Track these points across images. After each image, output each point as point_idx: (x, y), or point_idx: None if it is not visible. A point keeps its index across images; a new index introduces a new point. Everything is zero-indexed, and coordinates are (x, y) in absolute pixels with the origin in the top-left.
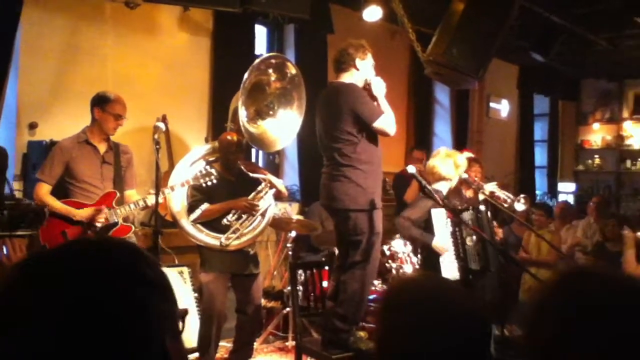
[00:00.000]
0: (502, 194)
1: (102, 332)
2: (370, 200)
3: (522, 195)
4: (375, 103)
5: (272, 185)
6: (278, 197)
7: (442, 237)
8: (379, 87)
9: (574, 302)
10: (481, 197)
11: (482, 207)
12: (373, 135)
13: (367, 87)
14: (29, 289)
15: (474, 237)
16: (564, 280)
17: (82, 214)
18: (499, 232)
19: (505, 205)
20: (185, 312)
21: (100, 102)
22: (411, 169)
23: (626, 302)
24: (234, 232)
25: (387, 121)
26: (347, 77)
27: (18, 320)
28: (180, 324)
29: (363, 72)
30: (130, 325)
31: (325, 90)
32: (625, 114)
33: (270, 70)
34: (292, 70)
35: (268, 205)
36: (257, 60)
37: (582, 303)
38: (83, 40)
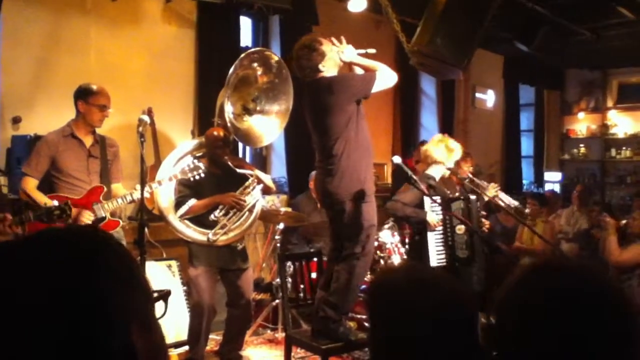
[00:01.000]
0: (504, 200)
1: (57, 324)
2: (365, 192)
3: (527, 211)
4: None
5: (259, 181)
6: (266, 192)
7: (434, 216)
8: (351, 55)
9: (535, 300)
10: (486, 198)
11: (472, 197)
12: (363, 126)
13: (347, 64)
14: None
15: (463, 226)
16: (527, 277)
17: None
18: (486, 224)
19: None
20: (168, 293)
21: (84, 95)
22: (396, 159)
23: (582, 302)
24: (221, 228)
25: (382, 77)
26: (325, 73)
27: None
28: (163, 305)
29: (333, 62)
30: (88, 317)
31: (309, 87)
32: (610, 103)
33: (255, 65)
34: (277, 63)
35: (255, 201)
36: (241, 56)
37: (541, 301)
38: (66, 32)
